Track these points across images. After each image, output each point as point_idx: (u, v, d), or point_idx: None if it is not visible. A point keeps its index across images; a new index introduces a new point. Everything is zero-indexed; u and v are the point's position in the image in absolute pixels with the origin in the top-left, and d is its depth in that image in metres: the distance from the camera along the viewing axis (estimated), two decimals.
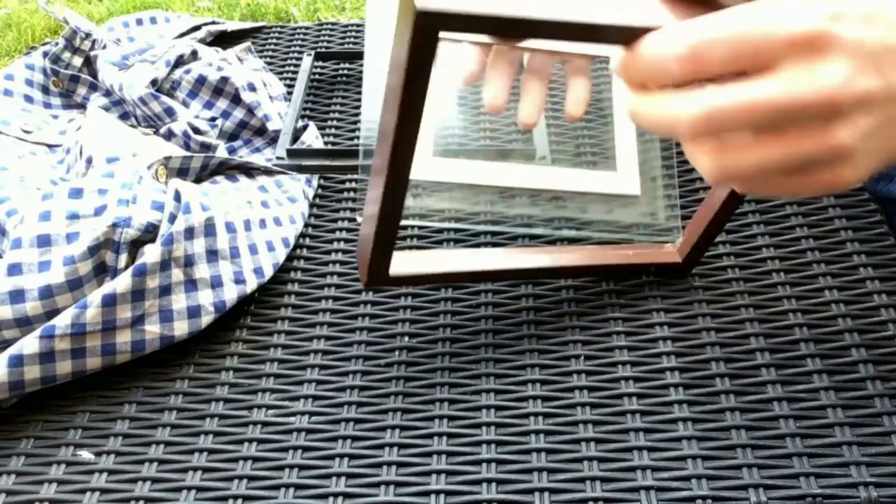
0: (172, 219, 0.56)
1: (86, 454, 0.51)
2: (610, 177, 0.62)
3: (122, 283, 0.53)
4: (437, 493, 0.47)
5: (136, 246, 0.56)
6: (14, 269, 0.53)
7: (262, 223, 0.62)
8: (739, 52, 0.34)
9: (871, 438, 0.48)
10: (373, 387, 0.54)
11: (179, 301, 0.55)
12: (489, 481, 0.48)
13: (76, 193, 0.56)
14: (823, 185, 0.37)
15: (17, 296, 0.53)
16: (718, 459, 0.47)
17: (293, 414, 0.52)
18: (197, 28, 0.88)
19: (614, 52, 0.38)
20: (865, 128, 0.35)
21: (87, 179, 0.58)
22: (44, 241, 0.54)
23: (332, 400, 0.53)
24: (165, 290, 0.55)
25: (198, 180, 0.65)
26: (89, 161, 0.64)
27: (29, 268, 0.53)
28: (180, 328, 0.55)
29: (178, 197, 0.57)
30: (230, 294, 0.57)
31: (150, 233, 0.56)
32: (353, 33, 0.87)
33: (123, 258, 0.55)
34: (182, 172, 0.64)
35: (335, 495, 0.48)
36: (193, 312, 0.56)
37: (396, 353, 0.56)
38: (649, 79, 0.37)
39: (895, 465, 0.46)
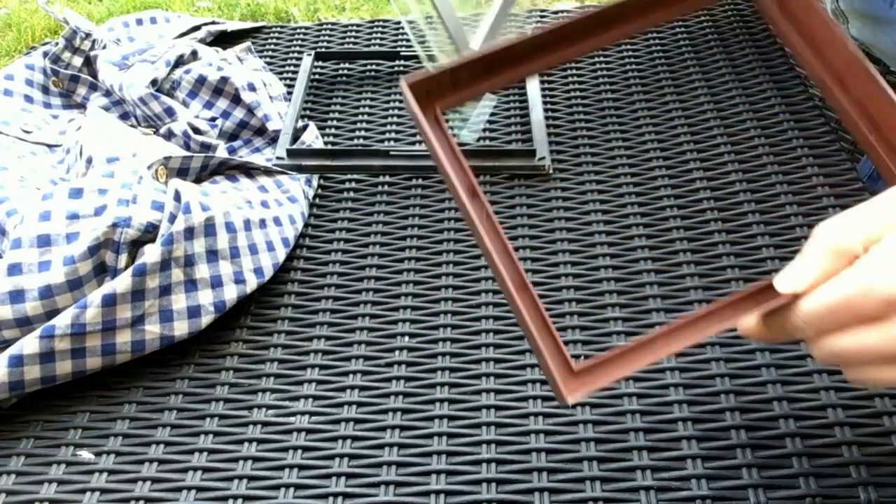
0: (172, 219, 0.56)
1: (86, 454, 0.51)
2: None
3: (122, 283, 0.53)
4: (437, 493, 0.47)
5: (136, 246, 0.56)
6: (14, 269, 0.53)
7: (262, 223, 0.62)
8: (851, 314, 0.37)
9: (871, 438, 0.48)
10: (373, 387, 0.54)
11: (179, 301, 0.55)
12: (489, 481, 0.48)
13: (76, 193, 0.56)
14: None
15: (17, 296, 0.53)
16: (718, 459, 0.47)
17: (293, 414, 0.52)
18: (197, 28, 0.88)
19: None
20: None
21: (87, 179, 0.58)
22: (44, 241, 0.54)
23: (332, 400, 0.53)
24: (165, 290, 0.55)
25: (198, 180, 0.65)
26: (89, 161, 0.64)
27: (29, 268, 0.53)
28: (180, 328, 0.55)
29: (178, 197, 0.57)
30: (230, 294, 0.57)
31: (150, 233, 0.56)
32: (353, 33, 0.87)
33: (123, 258, 0.55)
34: (182, 172, 0.64)
35: (335, 495, 0.48)
36: (193, 312, 0.56)
37: (396, 353, 0.56)
38: (786, 336, 0.41)
39: (895, 465, 0.46)
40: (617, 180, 0.67)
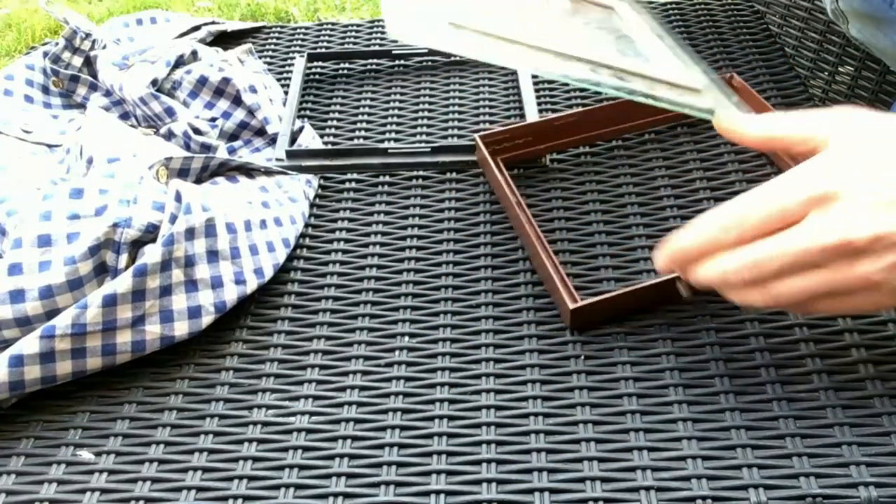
0: (173, 219, 0.56)
1: (86, 454, 0.51)
2: (672, 68, 0.59)
3: (122, 283, 0.53)
4: (437, 493, 0.47)
5: (136, 246, 0.56)
6: (14, 269, 0.53)
7: (263, 223, 0.62)
8: (770, 215, 0.44)
9: (871, 438, 0.48)
10: (373, 387, 0.54)
11: (180, 301, 0.55)
12: (489, 481, 0.48)
13: (77, 194, 0.56)
14: (861, 308, 0.46)
15: (17, 296, 0.53)
16: (718, 459, 0.47)
17: (293, 414, 0.52)
18: (197, 28, 0.88)
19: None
20: (890, 262, 0.42)
21: (88, 179, 0.58)
22: (44, 241, 0.54)
23: (332, 400, 0.53)
24: (166, 291, 0.55)
25: (198, 181, 0.65)
26: (90, 161, 0.64)
27: (29, 268, 0.53)
28: (181, 328, 0.55)
29: (178, 197, 0.57)
30: (230, 294, 0.57)
31: (150, 233, 0.56)
32: (353, 33, 0.87)
33: (124, 258, 0.55)
34: (183, 173, 0.64)
35: (335, 495, 0.48)
36: (194, 313, 0.56)
37: (396, 353, 0.56)
38: (699, 253, 0.46)
39: (895, 465, 0.46)
40: (617, 180, 0.67)
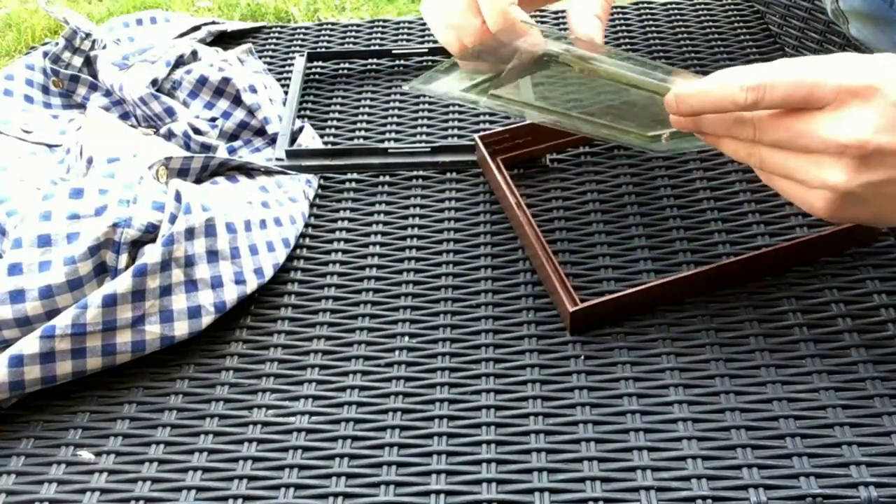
0: (173, 219, 0.56)
1: (86, 454, 0.51)
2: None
3: (122, 283, 0.53)
4: (437, 493, 0.47)
5: (136, 246, 0.56)
6: (14, 269, 0.53)
7: (263, 223, 0.62)
8: (796, 91, 0.42)
9: (871, 438, 0.48)
10: (373, 387, 0.54)
11: (180, 301, 0.55)
12: (489, 481, 0.48)
13: (77, 193, 0.56)
14: (805, 203, 0.45)
15: (17, 296, 0.53)
16: (718, 459, 0.47)
17: (293, 414, 0.52)
18: (197, 28, 0.88)
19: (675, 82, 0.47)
20: (868, 178, 0.42)
21: (88, 179, 0.58)
22: (44, 241, 0.54)
23: (332, 400, 0.53)
24: (166, 291, 0.55)
25: (198, 181, 0.65)
26: (90, 161, 0.64)
27: (29, 268, 0.53)
28: (181, 328, 0.55)
29: (178, 197, 0.57)
30: (230, 294, 0.57)
31: (150, 233, 0.56)
32: (353, 33, 0.87)
33: (124, 258, 0.55)
34: (182, 173, 0.64)
35: (335, 495, 0.48)
36: (194, 313, 0.56)
37: (396, 352, 0.56)
38: (711, 105, 0.45)
39: (895, 465, 0.46)
40: (617, 180, 0.67)
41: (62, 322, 0.52)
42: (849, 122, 0.41)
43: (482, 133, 0.67)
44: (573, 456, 0.48)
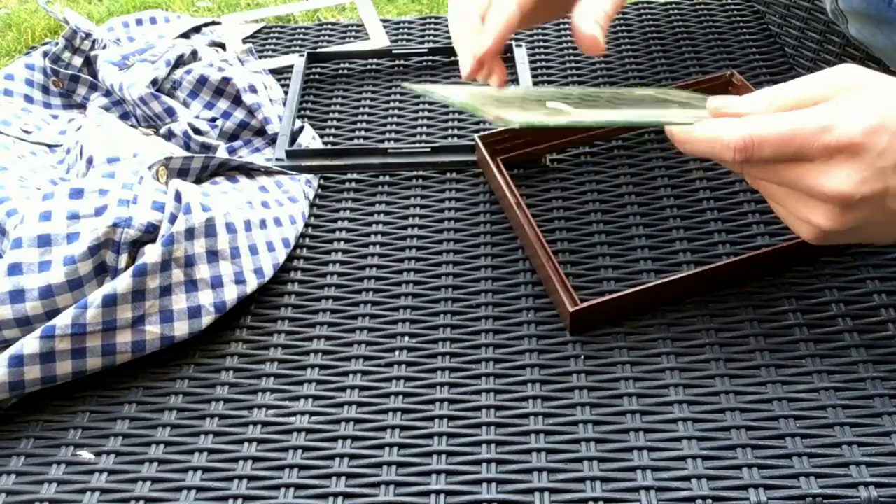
0: (173, 219, 0.56)
1: (86, 454, 0.51)
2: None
3: (122, 283, 0.53)
4: (437, 493, 0.47)
5: (136, 246, 0.56)
6: (14, 269, 0.53)
7: (263, 223, 0.62)
8: (784, 150, 0.43)
9: (871, 438, 0.48)
10: (373, 387, 0.54)
11: (180, 301, 0.55)
12: (489, 481, 0.48)
13: (77, 193, 0.56)
14: (793, 228, 0.47)
15: (17, 295, 0.53)
16: (718, 459, 0.47)
17: (293, 414, 0.52)
18: (197, 29, 0.88)
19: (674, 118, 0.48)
20: (852, 218, 0.44)
21: (88, 179, 0.58)
22: (44, 241, 0.54)
23: (332, 400, 0.53)
24: (166, 291, 0.55)
25: (198, 181, 0.65)
26: (90, 161, 0.64)
27: (29, 268, 0.53)
28: (181, 328, 0.55)
29: (178, 197, 0.57)
30: (230, 294, 0.57)
31: (150, 233, 0.56)
32: (353, 33, 0.87)
33: (124, 258, 0.55)
34: (182, 173, 0.64)
35: (335, 495, 0.48)
36: (194, 313, 0.56)
37: (396, 353, 0.56)
38: (704, 154, 0.46)
39: (895, 464, 0.46)
40: (616, 180, 0.67)
41: (62, 322, 0.52)
42: (835, 177, 0.43)
43: (482, 133, 0.67)
44: (573, 456, 0.48)
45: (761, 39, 0.80)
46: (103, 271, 0.55)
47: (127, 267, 0.55)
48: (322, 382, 0.54)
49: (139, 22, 0.89)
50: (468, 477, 0.48)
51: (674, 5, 0.86)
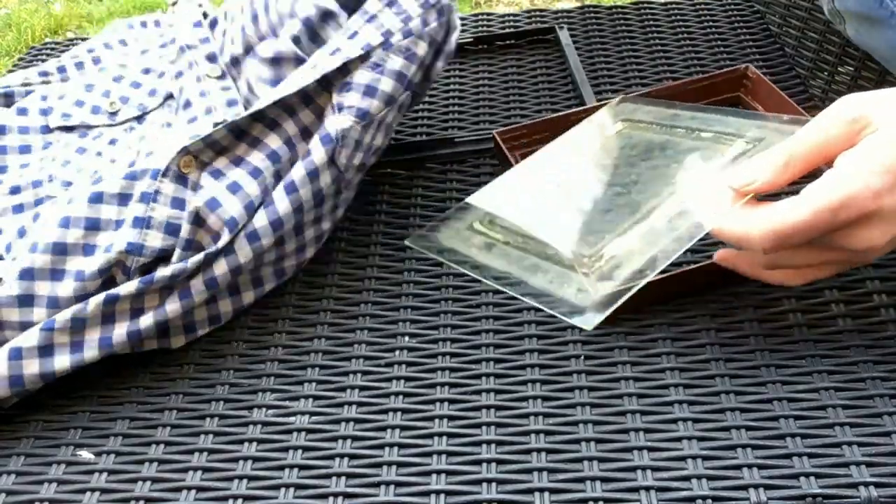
0: (187, 245, 0.55)
1: (86, 454, 0.51)
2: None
3: (127, 287, 0.53)
4: (437, 493, 0.47)
5: (147, 264, 0.55)
6: (26, 275, 0.53)
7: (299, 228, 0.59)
8: (808, 235, 0.45)
9: (871, 438, 0.48)
10: (373, 387, 0.54)
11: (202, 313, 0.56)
12: (489, 481, 0.48)
13: (96, 199, 0.55)
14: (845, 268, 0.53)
15: (25, 300, 0.52)
16: (718, 459, 0.47)
17: (293, 414, 0.52)
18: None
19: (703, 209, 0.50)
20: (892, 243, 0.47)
21: (108, 183, 0.56)
22: (59, 250, 0.53)
23: (332, 400, 0.53)
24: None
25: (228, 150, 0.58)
26: (187, 104, 0.62)
27: (41, 274, 0.53)
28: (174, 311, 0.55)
29: (196, 220, 0.55)
30: (247, 299, 0.57)
31: (163, 253, 0.55)
32: None
33: (134, 281, 0.53)
34: (213, 148, 0.57)
35: (335, 495, 0.48)
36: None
37: (397, 352, 0.56)
38: (738, 244, 0.49)
39: (895, 465, 0.46)
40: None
41: (62, 317, 0.51)
42: (862, 238, 0.46)
43: (500, 129, 0.67)
44: (573, 456, 0.48)
45: (761, 39, 0.80)
46: (113, 284, 0.54)
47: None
48: (322, 382, 0.54)
49: (143, 25, 0.89)
50: (468, 477, 0.48)
51: (674, 5, 0.86)
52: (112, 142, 0.69)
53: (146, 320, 0.54)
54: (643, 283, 0.48)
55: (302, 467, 0.49)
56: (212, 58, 0.67)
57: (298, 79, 0.58)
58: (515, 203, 0.61)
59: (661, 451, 0.48)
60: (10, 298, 0.52)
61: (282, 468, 0.49)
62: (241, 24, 0.66)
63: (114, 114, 0.70)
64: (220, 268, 0.55)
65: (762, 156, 0.49)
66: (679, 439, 0.49)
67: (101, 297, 0.52)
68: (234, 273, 0.55)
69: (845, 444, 0.47)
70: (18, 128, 0.69)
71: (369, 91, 0.57)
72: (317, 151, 0.56)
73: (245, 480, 0.49)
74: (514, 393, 0.52)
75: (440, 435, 0.50)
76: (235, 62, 0.66)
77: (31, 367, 0.51)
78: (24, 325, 0.53)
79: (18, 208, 0.62)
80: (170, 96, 0.70)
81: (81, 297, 0.53)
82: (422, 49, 0.59)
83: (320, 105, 0.58)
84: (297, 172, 0.56)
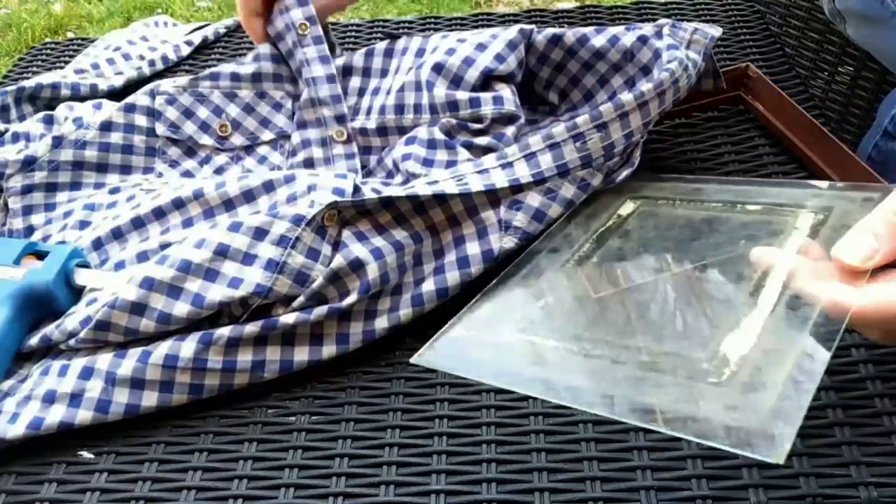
0: (312, 295, 0.53)
1: (86, 454, 0.51)
2: None
3: (250, 328, 0.52)
4: (437, 493, 0.47)
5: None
6: (146, 283, 0.52)
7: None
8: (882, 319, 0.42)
9: (871, 438, 0.48)
10: (373, 387, 0.54)
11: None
12: (489, 481, 0.48)
13: (234, 227, 0.54)
14: None
15: (138, 308, 0.52)
16: (719, 459, 0.47)
17: (293, 414, 0.52)
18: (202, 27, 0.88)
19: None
20: None
21: (251, 217, 0.55)
22: (184, 267, 0.53)
23: (332, 400, 0.53)
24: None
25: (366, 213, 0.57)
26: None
27: (160, 287, 0.52)
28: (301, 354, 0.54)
29: (333, 277, 0.54)
30: (381, 325, 0.56)
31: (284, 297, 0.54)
32: (353, 33, 0.87)
33: (257, 321, 0.53)
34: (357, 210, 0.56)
35: (335, 495, 0.48)
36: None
37: (397, 352, 0.56)
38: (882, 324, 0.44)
39: (895, 465, 0.46)
40: None
41: (185, 354, 0.51)
42: None
43: None
44: (573, 456, 0.48)
45: (761, 39, 0.80)
46: (228, 317, 0.54)
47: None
48: (322, 382, 0.54)
49: (146, 25, 0.89)
50: (468, 477, 0.48)
51: (674, 5, 0.86)
52: (219, 170, 0.67)
53: (243, 363, 0.53)
54: (813, 390, 0.40)
55: (302, 467, 0.49)
56: (340, 119, 0.67)
57: (462, 175, 0.57)
58: (571, 320, 0.51)
59: (662, 451, 0.48)
60: (125, 303, 0.52)
61: (282, 468, 0.49)
62: (382, 103, 0.66)
63: (223, 138, 0.69)
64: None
65: (865, 227, 0.44)
66: (680, 439, 0.49)
67: (225, 338, 0.52)
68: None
69: (845, 444, 0.47)
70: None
71: (538, 216, 0.56)
72: (475, 265, 0.56)
73: (245, 480, 0.49)
74: (515, 393, 0.52)
75: (440, 435, 0.50)
76: (364, 132, 0.67)
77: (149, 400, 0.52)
78: (129, 332, 0.53)
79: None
80: (284, 136, 0.69)
81: (193, 321, 0.53)
82: (597, 180, 0.57)
83: (474, 202, 0.56)
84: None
